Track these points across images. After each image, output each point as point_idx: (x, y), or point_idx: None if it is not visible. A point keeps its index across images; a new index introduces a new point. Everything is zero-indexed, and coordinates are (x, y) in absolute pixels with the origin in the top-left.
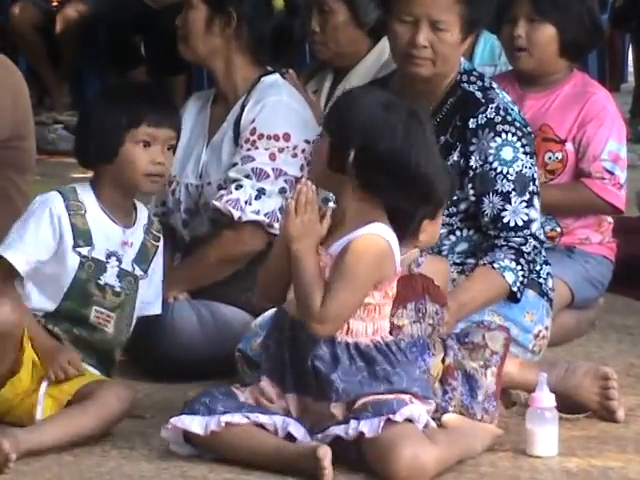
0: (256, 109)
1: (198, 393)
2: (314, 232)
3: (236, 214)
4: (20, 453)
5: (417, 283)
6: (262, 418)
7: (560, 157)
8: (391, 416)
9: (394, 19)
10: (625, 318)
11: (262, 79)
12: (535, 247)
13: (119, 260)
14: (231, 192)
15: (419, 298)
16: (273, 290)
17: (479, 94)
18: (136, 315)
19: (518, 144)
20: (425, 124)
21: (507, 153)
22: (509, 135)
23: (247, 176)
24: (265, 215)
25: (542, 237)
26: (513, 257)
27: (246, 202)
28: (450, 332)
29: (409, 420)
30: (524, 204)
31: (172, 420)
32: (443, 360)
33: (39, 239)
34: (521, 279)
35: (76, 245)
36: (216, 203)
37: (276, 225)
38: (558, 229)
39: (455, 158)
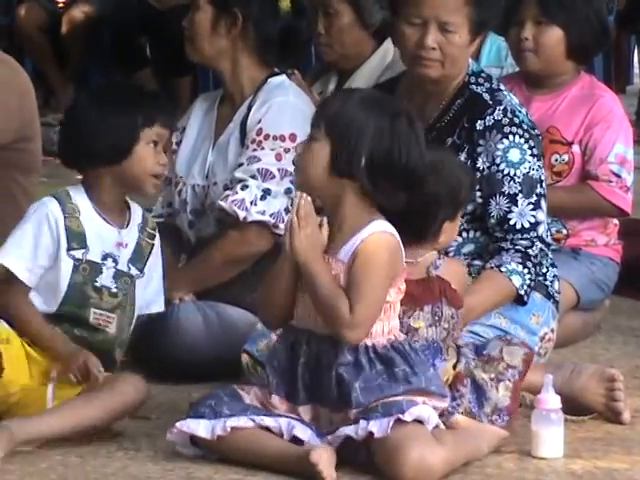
0: (262, 110)
1: (203, 395)
2: (318, 243)
3: (241, 214)
4: (18, 444)
5: (434, 286)
6: (267, 421)
7: (567, 159)
8: (400, 416)
9: (402, 21)
10: (631, 320)
11: (269, 80)
12: (541, 250)
13: (115, 261)
14: (237, 192)
15: (436, 301)
16: (279, 311)
17: (487, 96)
18: (137, 314)
19: (525, 146)
20: (417, 127)
21: (514, 155)
22: (516, 137)
23: (253, 176)
24: (270, 215)
25: (548, 240)
26: (520, 260)
27: (252, 202)
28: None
29: (419, 420)
30: (531, 206)
31: (178, 424)
32: (455, 366)
33: (40, 246)
34: (528, 282)
35: (70, 248)
36: (222, 203)
37: (281, 226)
38: (564, 231)
39: (462, 160)
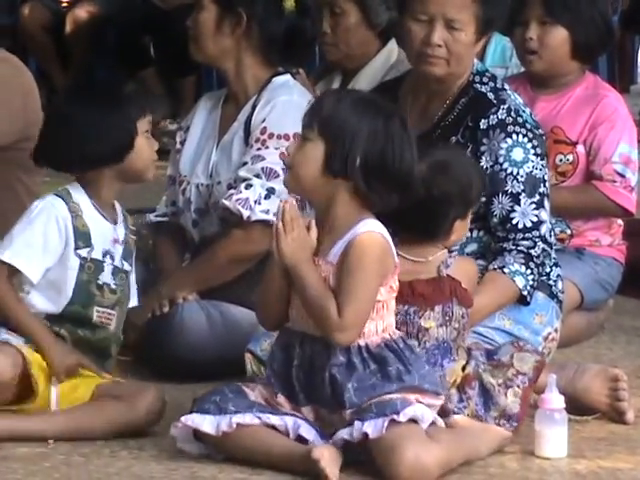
0: (267, 109)
1: (207, 391)
2: (306, 245)
3: (245, 213)
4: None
5: (445, 285)
6: (273, 419)
7: (571, 159)
8: (395, 417)
9: (409, 18)
10: (635, 320)
11: (273, 79)
12: (544, 250)
13: (112, 258)
14: (241, 191)
15: (447, 301)
16: (275, 314)
17: (491, 95)
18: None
19: (529, 145)
20: (409, 128)
21: (517, 154)
22: (520, 136)
23: (257, 175)
24: (274, 215)
25: (551, 239)
26: (522, 261)
27: (256, 201)
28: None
29: (413, 420)
30: (533, 205)
31: (183, 418)
32: (464, 368)
33: (48, 246)
34: (531, 283)
35: (77, 247)
36: (226, 202)
37: None
38: (568, 231)
39: None
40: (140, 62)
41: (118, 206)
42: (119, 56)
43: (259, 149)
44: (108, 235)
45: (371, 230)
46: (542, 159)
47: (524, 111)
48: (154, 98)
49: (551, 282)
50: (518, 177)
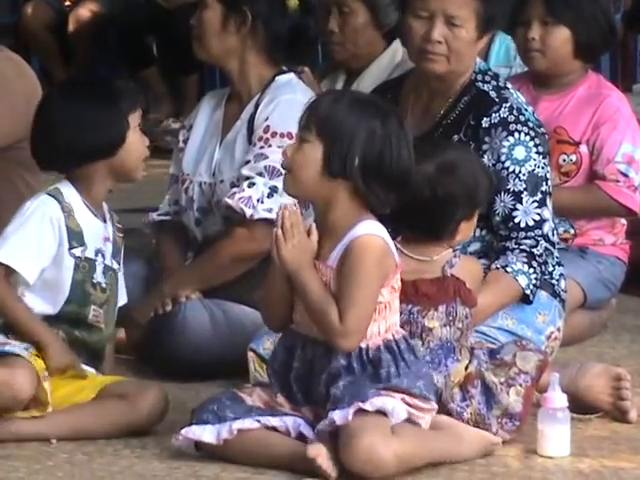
0: (270, 107)
1: (203, 401)
2: (307, 250)
3: (248, 212)
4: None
5: (449, 285)
6: (273, 421)
7: (574, 159)
8: (361, 404)
9: (410, 14)
10: (637, 319)
11: (276, 78)
12: (547, 249)
13: (103, 256)
14: (243, 190)
15: (450, 301)
16: (278, 315)
17: (493, 93)
18: (117, 308)
19: (531, 144)
20: (407, 128)
21: (520, 152)
22: (522, 135)
23: (260, 174)
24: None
25: (554, 238)
26: (525, 260)
27: (258, 200)
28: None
29: (383, 413)
30: (535, 204)
31: (183, 431)
32: (467, 367)
33: (43, 246)
34: (534, 282)
35: (71, 247)
36: (228, 201)
37: None
38: (572, 231)
39: None
40: (143, 61)
41: (105, 204)
42: (122, 55)
43: (262, 147)
44: (99, 233)
45: (368, 233)
46: (544, 157)
47: (526, 109)
48: (157, 97)
49: (554, 281)
50: (520, 175)
